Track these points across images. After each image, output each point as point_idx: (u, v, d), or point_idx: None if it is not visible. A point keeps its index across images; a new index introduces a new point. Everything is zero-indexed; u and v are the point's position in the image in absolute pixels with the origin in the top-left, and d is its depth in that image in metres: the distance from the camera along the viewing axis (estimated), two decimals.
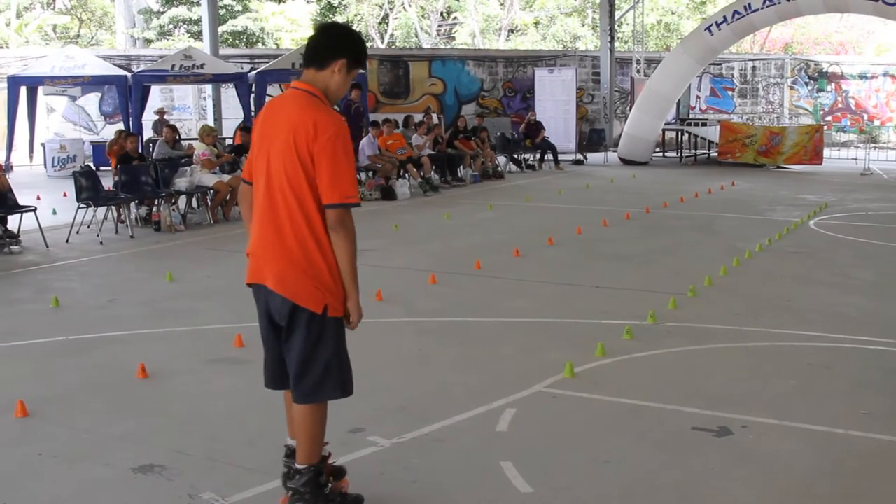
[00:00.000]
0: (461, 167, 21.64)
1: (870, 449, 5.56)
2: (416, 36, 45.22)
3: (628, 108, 29.22)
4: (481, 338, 8.07)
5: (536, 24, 46.19)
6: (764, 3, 23.40)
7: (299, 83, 4.39)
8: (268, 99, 21.21)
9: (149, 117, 22.89)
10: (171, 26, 40.14)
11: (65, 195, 17.68)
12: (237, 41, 38.22)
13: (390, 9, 44.69)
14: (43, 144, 24.29)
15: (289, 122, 4.24)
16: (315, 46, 4.38)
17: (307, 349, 4.33)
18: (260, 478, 5.07)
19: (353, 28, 4.47)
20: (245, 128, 18.19)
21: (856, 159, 25.58)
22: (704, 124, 28.65)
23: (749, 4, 23.54)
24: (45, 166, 23.89)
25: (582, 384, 6.71)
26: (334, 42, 4.37)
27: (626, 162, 26.01)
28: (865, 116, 33.61)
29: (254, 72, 22.51)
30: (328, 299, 4.29)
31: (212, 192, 15.22)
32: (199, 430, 5.90)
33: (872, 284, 10.25)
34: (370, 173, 18.88)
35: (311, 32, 4.44)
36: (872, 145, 27.78)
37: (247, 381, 6.86)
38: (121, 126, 20.99)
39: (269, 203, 4.31)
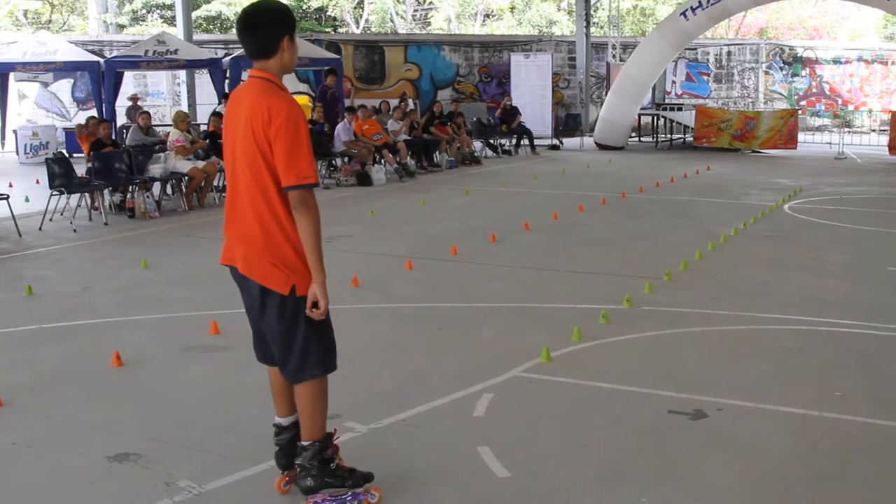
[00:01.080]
0: (437, 153, 21.62)
1: (844, 430, 5.60)
2: (392, 21, 45.07)
3: (604, 93, 29.24)
4: (458, 323, 8.07)
5: (512, 8, 46.13)
6: None
7: (255, 71, 4.40)
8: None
9: (122, 103, 22.71)
10: (144, 11, 39.88)
11: (37, 182, 17.57)
12: (211, 26, 38.00)
13: None
14: (15, 131, 24.07)
15: (247, 110, 4.27)
16: (254, 41, 4.34)
17: (283, 331, 4.37)
18: (237, 465, 5.06)
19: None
20: (218, 114, 18.10)
21: (830, 144, 25.71)
22: (680, 109, 28.75)
23: None
24: (18, 153, 23.69)
25: (559, 369, 6.72)
26: (270, 29, 4.32)
27: (602, 147, 26.06)
28: (839, 101, 33.79)
29: (228, 57, 22.36)
30: (294, 279, 4.32)
31: (186, 178, 15.13)
32: (175, 417, 5.87)
33: (847, 267, 10.31)
34: (346, 159, 18.82)
35: (238, 26, 4.38)
36: (846, 130, 27.94)
37: (223, 369, 6.84)
38: (93, 112, 20.85)
39: (233, 188, 4.41)
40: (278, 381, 4.64)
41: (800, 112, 28.82)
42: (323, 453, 4.55)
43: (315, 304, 4.32)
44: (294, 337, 4.38)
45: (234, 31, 38.32)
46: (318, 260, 4.30)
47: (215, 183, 15.86)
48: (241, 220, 4.35)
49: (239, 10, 38.31)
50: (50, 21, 42.65)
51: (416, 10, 47.33)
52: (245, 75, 22.81)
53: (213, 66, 22.20)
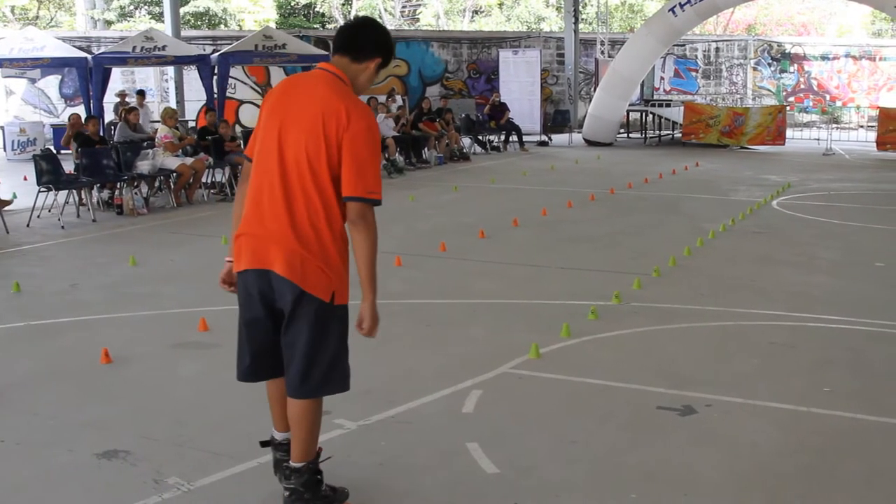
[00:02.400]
0: (426, 149, 21.61)
1: (833, 426, 5.61)
2: (380, 17, 44.98)
3: (593, 89, 29.25)
4: (447, 320, 8.07)
5: (501, 5, 46.12)
6: None
7: (331, 66, 4.25)
8: (230, 81, 21.13)
9: (110, 100, 22.62)
10: (131, 7, 39.70)
11: (25, 179, 17.50)
12: (199, 22, 37.86)
13: None
14: (2, 127, 23.96)
15: (318, 103, 4.10)
16: (357, 38, 4.27)
17: (314, 340, 4.17)
18: (226, 462, 5.05)
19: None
20: (209, 110, 18.04)
21: (818, 140, 25.77)
22: (668, 105, 28.77)
23: None
24: (5, 150, 23.61)
25: (548, 365, 6.73)
26: (379, 40, 4.29)
27: (590, 143, 26.08)
28: (827, 97, 33.89)
29: (216, 53, 22.27)
30: (335, 286, 4.17)
31: (174, 175, 15.09)
32: (164, 414, 5.85)
33: (835, 263, 10.34)
34: None
35: (349, 21, 4.36)
36: (834, 126, 28.00)
37: (211, 365, 6.83)
38: (80, 109, 20.76)
39: (283, 182, 4.12)
40: (280, 395, 4.44)
41: (788, 108, 28.90)
42: (316, 477, 4.41)
43: (362, 323, 4.22)
44: (324, 348, 4.19)
45: (222, 27, 37.84)
46: (371, 281, 4.17)
47: (204, 179, 15.83)
48: (290, 219, 4.09)
49: (227, 6, 38.30)
50: (37, 17, 42.46)
51: (404, 7, 47.29)
52: (234, 71, 22.83)
53: (201, 62, 22.10)
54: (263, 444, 4.69)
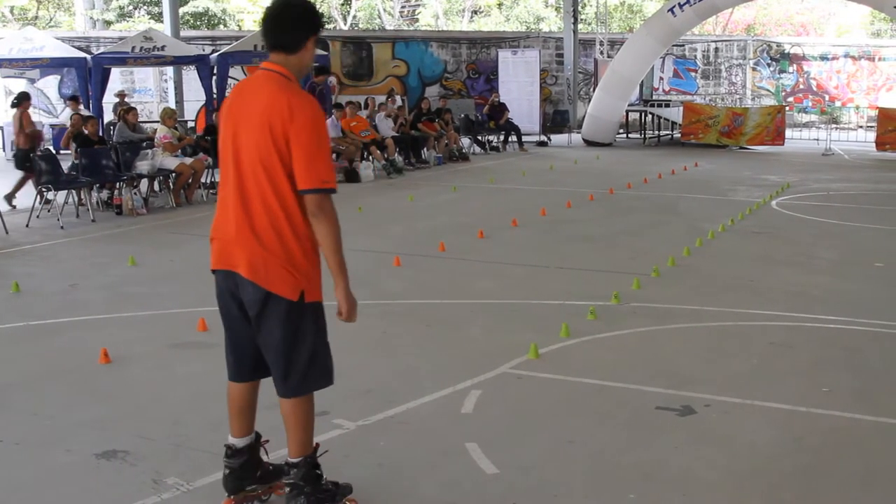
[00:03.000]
0: (425, 149, 21.60)
1: (831, 426, 5.62)
2: (380, 17, 45.01)
3: (592, 89, 29.25)
4: (446, 320, 8.07)
5: (500, 5, 46.12)
6: None
7: (271, 64, 4.25)
8: (230, 81, 21.13)
9: (109, 100, 22.62)
10: (130, 7, 39.71)
11: None
12: (198, 23, 37.85)
13: None
14: (1, 128, 23.93)
15: (263, 104, 4.11)
16: (282, 32, 4.25)
17: (288, 341, 4.19)
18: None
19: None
20: (210, 110, 18.02)
21: (817, 140, 25.77)
22: (667, 105, 28.76)
23: None
24: (4, 150, 23.58)
25: (547, 365, 6.73)
26: (301, 24, 4.25)
27: (589, 143, 26.08)
28: (827, 97, 33.88)
29: (215, 54, 22.27)
30: (303, 284, 4.16)
31: (174, 174, 15.09)
32: (163, 414, 5.86)
33: (834, 264, 10.35)
34: (334, 156, 18.78)
35: (267, 15, 4.28)
36: (833, 126, 28.01)
37: (211, 366, 6.81)
38: (80, 109, 20.75)
39: (240, 186, 4.16)
40: (241, 400, 4.47)
41: (787, 108, 28.88)
42: (315, 471, 4.41)
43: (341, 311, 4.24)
44: (299, 347, 4.22)
45: (221, 27, 37.86)
46: (339, 267, 4.17)
47: (203, 179, 15.83)
48: (249, 220, 4.13)
49: (226, 6, 38.28)
50: (36, 17, 42.45)
51: (403, 7, 47.30)
52: (233, 71, 22.84)
53: (200, 62, 22.10)
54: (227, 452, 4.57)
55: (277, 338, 4.20)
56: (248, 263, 4.15)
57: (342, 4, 44.29)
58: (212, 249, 4.33)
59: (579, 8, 30.78)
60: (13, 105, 16.79)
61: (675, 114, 27.26)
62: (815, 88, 34.05)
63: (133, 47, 21.16)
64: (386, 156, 19.51)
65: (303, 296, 4.17)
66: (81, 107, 18.98)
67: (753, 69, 34.34)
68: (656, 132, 28.50)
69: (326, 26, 40.65)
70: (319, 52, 23.94)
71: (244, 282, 4.17)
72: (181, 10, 31.41)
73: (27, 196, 14.47)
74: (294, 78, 4.26)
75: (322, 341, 4.32)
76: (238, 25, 38.84)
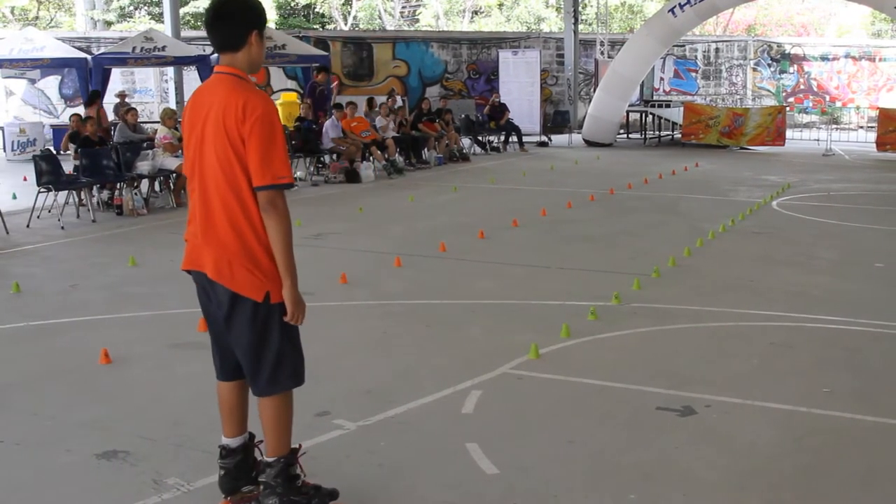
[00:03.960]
0: (425, 149, 21.60)
1: (831, 426, 5.62)
2: (380, 18, 45.01)
3: (592, 89, 29.23)
4: (447, 320, 8.07)
5: (500, 5, 46.13)
6: None
7: (222, 67, 4.27)
8: None
9: (110, 100, 22.64)
10: (131, 8, 39.73)
11: (25, 179, 17.49)
12: (199, 23, 37.83)
13: None
14: (2, 128, 23.95)
15: (217, 107, 4.12)
16: (222, 32, 4.26)
17: (255, 341, 4.20)
18: None
19: None
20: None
21: (818, 140, 25.75)
22: (668, 106, 28.75)
23: None
24: (5, 150, 23.59)
25: (547, 365, 6.73)
26: (241, 20, 4.24)
27: (590, 143, 26.07)
28: (827, 98, 33.87)
29: (216, 54, 22.33)
30: (268, 286, 4.15)
31: (174, 175, 15.09)
32: (163, 415, 5.86)
33: (834, 264, 10.34)
34: (334, 156, 18.79)
35: (209, 17, 4.31)
36: (834, 126, 28.01)
37: (210, 366, 6.78)
38: (80, 110, 20.76)
39: (202, 189, 4.19)
40: (231, 399, 4.48)
41: (788, 109, 28.87)
42: (288, 470, 4.39)
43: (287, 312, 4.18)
44: (266, 347, 4.21)
45: None
46: (288, 266, 4.12)
47: None
48: (211, 222, 4.15)
49: None
50: (37, 18, 42.46)
51: (404, 7, 47.29)
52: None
53: (200, 62, 22.14)
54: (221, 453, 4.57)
55: (245, 338, 4.21)
56: (213, 265, 4.17)
57: (343, 4, 44.29)
58: (185, 251, 4.37)
59: (580, 8, 30.77)
60: (87, 104, 18.03)
61: (676, 114, 27.24)
62: (815, 89, 34.04)
63: (134, 48, 21.20)
64: (386, 156, 19.51)
65: (268, 297, 4.16)
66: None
67: (754, 69, 34.34)
68: (657, 132, 28.48)
69: (326, 26, 40.71)
70: (320, 52, 24.01)
71: (211, 283, 4.21)
72: (182, 11, 31.41)
73: (27, 197, 14.47)
74: (246, 76, 4.26)
75: (290, 342, 4.29)
76: None
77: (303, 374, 4.38)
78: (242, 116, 4.05)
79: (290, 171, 4.14)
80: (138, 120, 17.54)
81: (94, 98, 18.23)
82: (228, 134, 4.07)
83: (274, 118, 4.13)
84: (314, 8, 42.85)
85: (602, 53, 30.66)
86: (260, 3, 4.39)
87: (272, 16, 40.56)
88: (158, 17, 35.69)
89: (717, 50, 34.36)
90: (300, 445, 4.57)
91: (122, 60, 21.79)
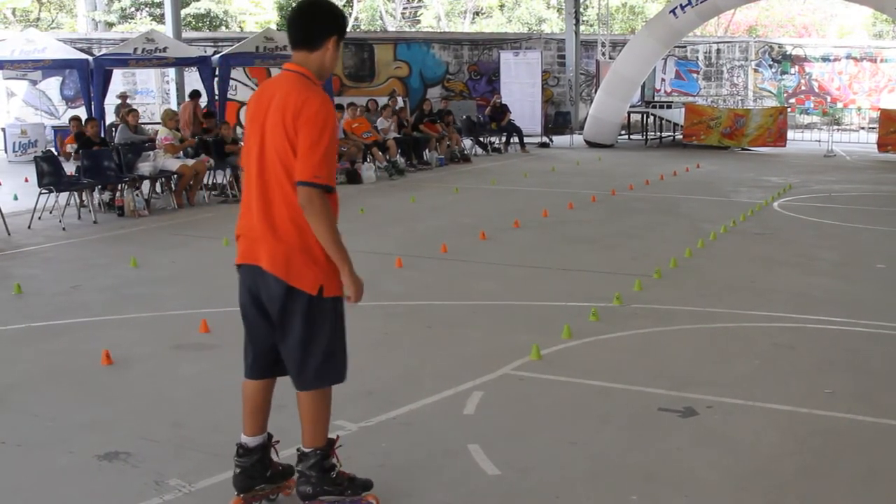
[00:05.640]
0: (427, 150, 21.61)
1: (833, 427, 5.61)
2: (381, 19, 45.03)
3: (594, 90, 29.24)
4: (448, 321, 8.07)
5: (501, 6, 46.15)
6: None
7: (292, 65, 4.32)
8: (231, 83, 21.16)
9: (111, 101, 22.64)
10: (132, 9, 39.74)
11: (26, 180, 17.50)
12: (200, 24, 37.89)
13: None
14: (3, 129, 23.97)
15: (278, 101, 4.19)
16: (304, 28, 4.31)
17: (306, 335, 4.26)
18: (227, 463, 5.02)
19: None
20: (208, 113, 18.03)
21: (819, 141, 25.75)
22: (669, 107, 28.76)
23: None
24: (6, 151, 23.62)
25: (549, 366, 6.73)
26: (324, 21, 4.30)
27: (591, 144, 26.07)
28: (828, 99, 33.85)
29: (217, 55, 22.29)
30: (322, 279, 4.23)
31: (175, 176, 15.10)
32: (165, 416, 5.86)
33: (836, 265, 10.34)
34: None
35: (293, 12, 4.36)
36: (835, 127, 28.02)
37: (212, 367, 6.83)
38: (82, 110, 20.77)
39: (261, 182, 4.25)
40: (256, 398, 4.50)
41: (789, 110, 28.87)
42: (324, 462, 4.46)
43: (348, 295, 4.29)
44: (316, 342, 4.28)
45: (223, 29, 37.80)
46: (338, 253, 4.20)
47: (205, 181, 15.84)
48: (270, 216, 4.21)
49: (228, 7, 38.28)
50: (38, 19, 42.48)
51: (405, 8, 47.30)
52: (235, 73, 22.84)
53: (202, 64, 22.13)
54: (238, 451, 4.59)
55: (296, 332, 4.26)
56: (269, 257, 4.22)
57: (344, 6, 44.29)
58: (237, 246, 4.40)
59: (581, 9, 30.77)
60: (190, 97, 19.39)
61: (677, 115, 27.25)
62: (816, 90, 34.02)
63: (135, 49, 21.18)
64: (388, 157, 19.51)
65: (321, 290, 4.23)
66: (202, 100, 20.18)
67: (755, 70, 34.32)
68: (658, 133, 28.49)
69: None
70: None
71: (266, 275, 4.24)
72: (183, 12, 31.43)
73: (29, 198, 14.48)
74: (314, 78, 4.30)
75: (338, 337, 4.38)
76: (240, 27, 38.86)
77: (345, 372, 4.46)
78: (300, 112, 4.12)
79: (329, 174, 4.17)
80: (139, 121, 17.53)
81: (194, 95, 19.29)
82: (286, 129, 4.14)
83: (328, 120, 4.17)
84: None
85: (603, 54, 30.67)
86: (344, 14, 4.45)
87: (273, 17, 40.61)
88: (160, 19, 35.68)
89: (718, 51, 34.34)
90: (337, 437, 4.62)
91: (123, 62, 21.75)
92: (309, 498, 4.48)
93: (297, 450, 4.56)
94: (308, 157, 4.11)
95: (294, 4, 4.42)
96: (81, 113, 20.16)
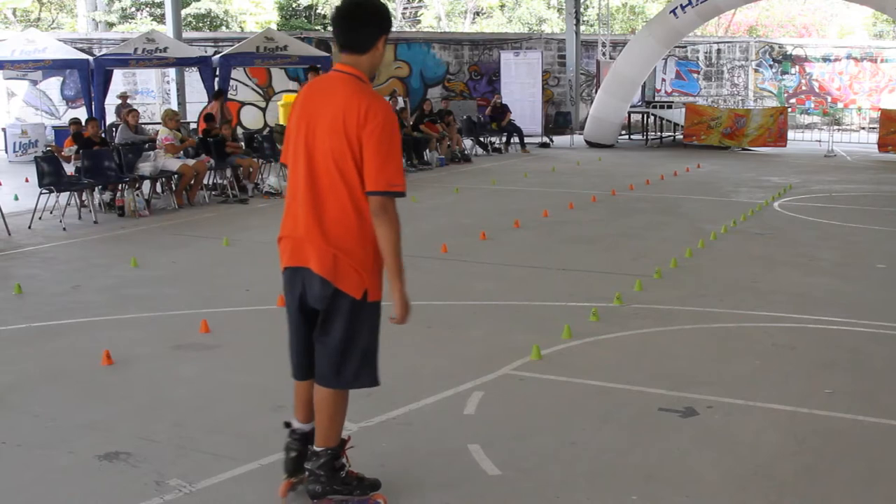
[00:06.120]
0: (427, 151, 21.61)
1: (833, 427, 5.61)
2: None
3: (594, 90, 29.25)
4: (448, 321, 8.07)
5: (502, 6, 46.15)
6: None
7: (344, 66, 4.31)
8: (231, 83, 21.15)
9: (111, 101, 22.65)
10: (133, 9, 39.75)
11: (27, 181, 17.50)
12: (201, 24, 37.90)
13: None
14: (4, 129, 23.97)
15: (337, 105, 4.18)
16: (354, 33, 4.29)
17: (345, 337, 4.30)
18: (227, 463, 5.05)
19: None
20: (208, 115, 18.02)
21: (819, 141, 25.76)
22: (670, 107, 28.77)
23: None
24: (7, 151, 23.61)
25: (549, 366, 6.73)
26: (372, 23, 4.29)
27: (592, 145, 26.07)
28: (829, 99, 33.85)
29: (217, 55, 22.30)
30: (367, 283, 4.27)
31: (176, 176, 15.10)
32: (165, 416, 5.86)
33: (836, 265, 10.34)
34: None
35: (340, 13, 4.29)
36: (836, 127, 28.01)
37: (212, 367, 6.83)
38: (83, 111, 20.78)
39: (311, 185, 4.25)
40: (307, 394, 4.55)
41: (789, 110, 28.87)
42: (335, 461, 4.50)
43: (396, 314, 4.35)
44: (354, 344, 4.32)
45: (223, 29, 37.81)
46: (397, 270, 4.28)
47: (205, 181, 15.84)
48: (320, 219, 4.22)
49: (229, 7, 38.28)
50: (39, 19, 42.49)
51: (405, 9, 47.31)
52: (235, 73, 22.82)
53: (202, 64, 22.13)
54: (287, 424, 4.71)
55: (337, 333, 4.31)
56: (318, 259, 4.24)
57: None
58: (281, 248, 4.42)
59: (581, 9, 30.77)
60: (214, 97, 19.49)
61: (678, 115, 27.26)
62: (817, 90, 34.03)
63: (135, 49, 21.18)
64: None
65: (366, 294, 4.29)
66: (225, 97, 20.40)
67: (755, 71, 34.32)
68: (658, 134, 28.49)
69: (327, 27, 40.70)
70: (322, 53, 24.00)
71: (313, 277, 4.27)
72: (183, 12, 31.44)
73: (29, 198, 14.48)
74: (367, 79, 4.32)
75: (375, 341, 4.43)
76: (240, 27, 38.85)
77: (378, 376, 4.50)
78: (364, 121, 4.12)
79: (403, 180, 4.23)
80: (140, 121, 17.53)
81: (217, 96, 19.34)
82: (347, 135, 4.14)
83: (394, 126, 4.20)
84: (316, 9, 42.85)
85: (604, 54, 30.66)
86: (388, 8, 4.44)
87: (274, 17, 40.62)
88: (160, 19, 35.68)
89: (718, 51, 34.34)
90: (349, 437, 4.66)
91: (123, 62, 21.76)
92: (318, 497, 4.50)
93: (298, 450, 4.59)
94: (383, 168, 4.14)
95: (339, 4, 4.37)
96: (82, 113, 20.19)
